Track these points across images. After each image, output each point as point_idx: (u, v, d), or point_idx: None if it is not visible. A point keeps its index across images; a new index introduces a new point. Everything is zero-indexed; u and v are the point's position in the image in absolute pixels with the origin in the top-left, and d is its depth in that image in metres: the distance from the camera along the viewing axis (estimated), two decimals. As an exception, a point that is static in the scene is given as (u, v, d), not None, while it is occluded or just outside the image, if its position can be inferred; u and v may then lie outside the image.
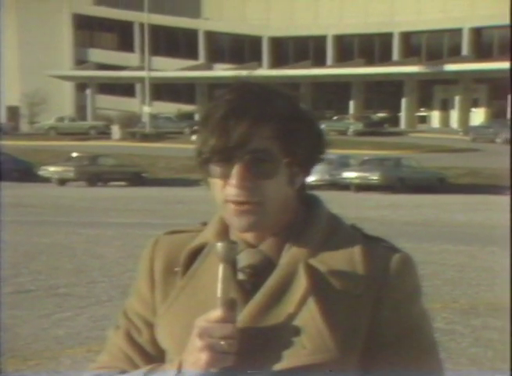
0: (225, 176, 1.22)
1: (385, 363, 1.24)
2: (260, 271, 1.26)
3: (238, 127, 1.20)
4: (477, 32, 50.37)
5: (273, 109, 1.23)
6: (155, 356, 1.31)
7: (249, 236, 1.27)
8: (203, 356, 1.15)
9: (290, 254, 1.26)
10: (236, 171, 1.21)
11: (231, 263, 1.21)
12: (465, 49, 50.60)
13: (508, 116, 47.22)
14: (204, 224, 1.36)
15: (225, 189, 1.23)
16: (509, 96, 47.85)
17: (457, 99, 49.81)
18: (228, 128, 1.20)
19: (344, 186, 27.24)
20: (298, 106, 1.28)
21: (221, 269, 1.19)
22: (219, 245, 1.20)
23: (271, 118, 1.22)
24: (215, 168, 1.23)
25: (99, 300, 7.71)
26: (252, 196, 1.22)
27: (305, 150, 1.26)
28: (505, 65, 44.82)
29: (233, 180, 1.21)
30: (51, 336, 6.33)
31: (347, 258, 1.26)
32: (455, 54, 50.26)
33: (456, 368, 5.36)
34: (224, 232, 1.30)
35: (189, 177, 28.12)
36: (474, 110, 49.58)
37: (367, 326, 1.24)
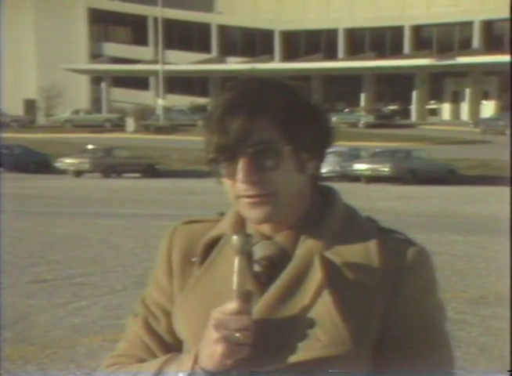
0: (232, 174, 1.22)
1: (397, 355, 1.23)
2: (275, 263, 1.25)
3: (234, 123, 1.20)
4: (487, 25, 50.02)
5: (267, 100, 1.22)
6: (172, 344, 1.31)
7: (265, 228, 1.27)
8: (219, 348, 1.15)
9: (306, 246, 1.25)
10: (240, 166, 1.21)
11: (246, 255, 1.20)
12: (476, 42, 50.29)
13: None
14: (222, 214, 1.35)
15: (235, 187, 1.23)
16: (519, 89, 47.64)
17: (468, 91, 49.56)
18: (226, 126, 1.21)
19: (355, 178, 27.17)
20: (297, 93, 1.26)
21: (236, 261, 1.18)
22: (235, 238, 1.20)
23: (266, 109, 1.22)
24: (222, 168, 1.23)
25: (114, 289, 7.74)
26: (262, 188, 1.21)
27: (309, 135, 1.24)
28: (515, 58, 44.58)
29: (240, 176, 1.21)
30: (67, 325, 6.36)
31: (362, 251, 1.25)
32: (465, 47, 49.95)
33: (465, 357, 5.35)
34: (240, 223, 1.30)
35: (202, 168, 28.08)
36: (484, 102, 49.33)
37: (381, 319, 1.23)
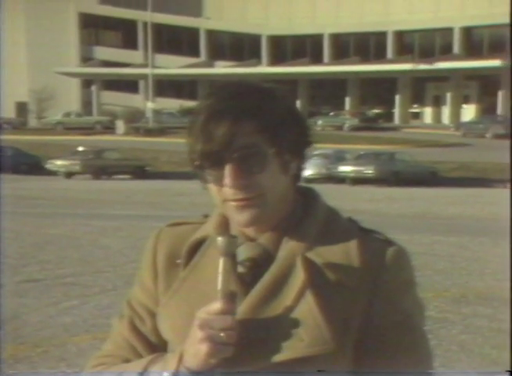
0: (219, 179, 1.21)
1: (377, 353, 1.23)
2: (259, 264, 1.25)
3: (218, 129, 1.19)
4: (467, 31, 50.33)
5: (250, 105, 1.22)
6: (158, 345, 1.31)
7: (248, 230, 1.26)
8: (204, 347, 1.14)
9: (288, 247, 1.25)
10: (227, 171, 1.20)
11: (231, 256, 1.20)
12: (456, 48, 50.54)
13: (498, 112, 47.22)
14: (206, 216, 1.35)
15: (221, 191, 1.22)
16: (499, 93, 47.86)
17: (449, 95, 49.79)
18: (210, 132, 1.20)
19: (340, 180, 27.23)
20: (277, 98, 1.26)
21: (221, 262, 1.18)
22: (219, 239, 1.19)
23: (249, 114, 1.21)
24: (208, 174, 1.22)
25: (104, 289, 7.72)
26: (249, 192, 1.21)
27: (290, 137, 1.24)
28: (495, 63, 44.85)
29: (227, 181, 1.20)
30: (58, 324, 6.33)
31: (343, 251, 1.25)
32: (446, 52, 50.19)
33: (446, 354, 5.37)
34: (224, 225, 1.29)
35: (190, 170, 28.07)
36: (464, 106, 49.57)
37: (361, 317, 1.23)
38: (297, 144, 1.26)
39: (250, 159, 1.21)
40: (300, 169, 1.29)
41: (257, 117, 1.22)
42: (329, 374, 1.21)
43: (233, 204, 1.22)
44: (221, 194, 1.22)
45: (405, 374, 1.23)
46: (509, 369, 4.87)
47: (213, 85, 1.28)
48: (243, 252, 1.25)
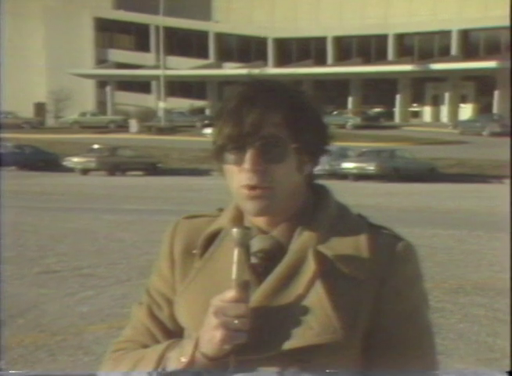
0: (239, 162, 1.22)
1: (385, 343, 1.23)
2: (271, 255, 1.25)
3: (249, 115, 1.20)
4: (464, 34, 50.16)
5: (281, 99, 1.23)
6: (175, 331, 1.31)
7: (261, 223, 1.26)
8: (218, 334, 1.15)
9: (300, 240, 1.25)
10: (248, 156, 1.21)
11: (245, 247, 1.20)
12: (454, 49, 50.37)
13: (494, 111, 47.04)
14: (221, 210, 1.35)
15: (239, 175, 1.22)
16: (495, 93, 47.68)
17: (447, 95, 49.62)
18: (240, 117, 1.20)
19: (343, 176, 27.18)
20: (305, 98, 1.27)
21: (235, 252, 1.18)
22: (234, 231, 1.20)
23: (279, 107, 1.22)
24: (230, 155, 1.23)
25: (119, 280, 7.72)
26: (263, 180, 1.21)
27: (312, 139, 1.25)
28: (491, 64, 44.66)
29: (246, 165, 1.21)
30: (75, 313, 6.35)
31: (353, 245, 1.25)
32: (444, 54, 50.02)
33: (444, 342, 5.36)
34: (239, 218, 1.29)
35: (200, 167, 28.13)
36: (462, 105, 49.39)
37: (370, 309, 1.23)
38: (316, 147, 1.27)
39: (272, 149, 1.21)
40: (313, 171, 1.30)
41: (286, 112, 1.22)
42: (337, 363, 1.21)
43: (245, 191, 1.22)
44: (238, 177, 1.23)
45: (411, 367, 1.23)
46: (509, 369, 4.83)
47: (246, 78, 1.28)
48: (257, 244, 1.25)
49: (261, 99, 1.21)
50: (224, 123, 1.22)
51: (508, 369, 4.75)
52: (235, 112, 1.21)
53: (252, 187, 1.21)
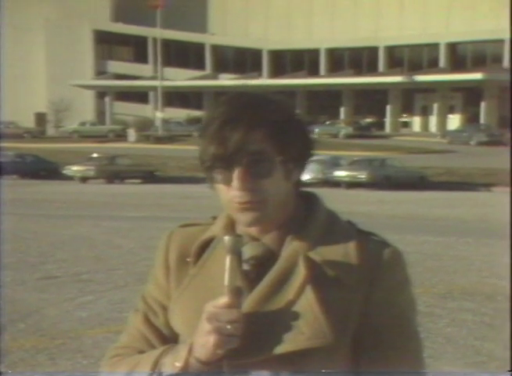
0: (228, 181, 1.21)
1: (373, 346, 1.24)
2: (263, 262, 1.25)
3: (233, 134, 1.19)
4: (452, 47, 50.43)
5: (263, 114, 1.22)
6: (170, 337, 1.31)
7: (253, 230, 1.27)
8: (211, 339, 1.15)
9: (291, 246, 1.25)
10: (236, 174, 1.20)
11: (237, 255, 1.20)
12: (442, 62, 50.58)
13: (481, 121, 47.20)
14: (215, 218, 1.35)
15: (229, 193, 1.22)
16: (481, 103, 47.84)
17: (435, 106, 49.77)
18: (224, 137, 1.19)
19: (336, 184, 27.18)
20: (287, 109, 1.26)
21: (228, 259, 1.19)
22: (226, 238, 1.20)
23: (262, 123, 1.21)
24: (218, 175, 1.22)
25: (117, 285, 7.71)
26: (254, 195, 1.21)
27: (296, 147, 1.24)
28: (477, 76, 44.86)
29: (235, 183, 1.20)
30: (74, 317, 6.33)
31: (342, 251, 1.25)
32: (433, 66, 50.22)
33: (433, 346, 5.36)
34: (231, 226, 1.30)
35: (197, 175, 28.07)
36: (450, 115, 49.54)
37: (359, 313, 1.23)
38: (301, 154, 1.26)
39: (259, 165, 1.21)
40: (300, 178, 1.29)
41: (267, 126, 1.22)
42: (328, 366, 1.21)
43: (237, 206, 1.22)
44: (228, 195, 1.22)
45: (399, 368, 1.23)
46: (509, 369, 4.82)
47: (226, 95, 1.27)
48: (248, 251, 1.25)
49: (243, 117, 1.20)
50: (208, 143, 1.21)
51: (509, 369, 4.72)
52: (218, 132, 1.20)
53: (243, 202, 1.21)
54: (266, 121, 1.22)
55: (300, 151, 1.26)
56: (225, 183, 1.22)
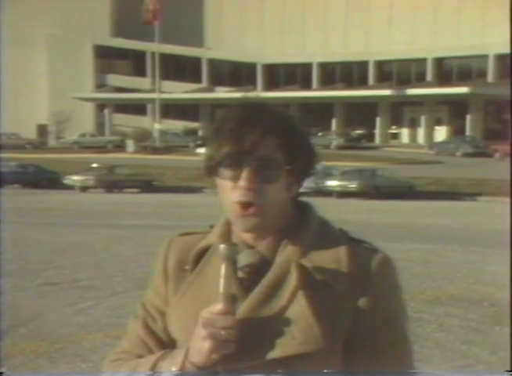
0: (235, 179, 1.21)
1: (364, 351, 1.23)
2: (257, 269, 1.25)
3: (250, 136, 1.20)
4: (439, 61, 50.72)
5: (279, 122, 1.23)
6: (168, 342, 1.31)
7: (248, 238, 1.27)
8: (207, 344, 1.15)
9: (284, 254, 1.25)
10: (245, 174, 1.20)
11: (232, 262, 1.20)
12: (429, 76, 50.83)
13: (466, 133, 47.39)
14: (212, 227, 1.35)
15: (233, 191, 1.22)
16: (467, 116, 48.04)
17: (423, 118, 49.95)
18: (241, 137, 1.20)
19: (328, 193, 27.18)
20: (297, 122, 1.28)
21: (223, 267, 1.19)
22: (222, 247, 1.20)
23: (277, 130, 1.22)
24: (226, 171, 1.22)
25: (116, 292, 7.68)
26: (256, 197, 1.21)
27: (303, 161, 1.25)
28: (463, 90, 45.10)
29: (242, 182, 1.21)
30: (74, 323, 6.31)
31: (334, 259, 1.25)
32: (421, 80, 50.45)
33: (421, 350, 5.36)
34: (227, 234, 1.29)
35: (194, 185, 28.08)
36: (437, 127, 49.71)
37: (350, 319, 1.23)
38: (305, 168, 1.27)
39: (267, 170, 1.21)
40: (299, 190, 1.30)
41: (282, 135, 1.22)
42: (320, 370, 1.21)
43: (237, 208, 1.22)
44: (232, 193, 1.22)
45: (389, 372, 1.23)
46: (509, 369, 4.81)
47: (238, 101, 1.28)
48: (243, 259, 1.25)
49: (262, 122, 1.21)
50: (223, 140, 1.21)
51: (508, 368, 4.71)
52: (236, 131, 1.20)
53: (245, 204, 1.21)
54: (282, 130, 1.23)
55: (305, 165, 1.26)
56: (231, 180, 1.22)
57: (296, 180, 1.26)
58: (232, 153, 1.20)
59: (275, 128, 1.22)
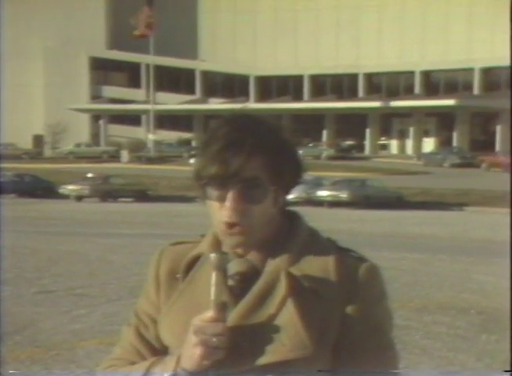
0: (221, 199, 1.22)
1: (351, 357, 1.24)
2: (247, 278, 1.26)
3: (235, 158, 1.19)
4: (426, 75, 51.06)
5: (264, 142, 1.22)
6: (160, 349, 1.31)
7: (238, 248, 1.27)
8: (198, 351, 1.16)
9: (274, 263, 1.26)
10: (230, 196, 1.20)
11: (222, 271, 1.21)
12: (417, 88, 51.11)
13: (453, 144, 47.62)
14: (203, 236, 1.35)
15: (219, 211, 1.23)
16: (454, 128, 48.27)
17: (411, 129, 50.16)
18: (226, 159, 1.19)
19: (318, 203, 27.22)
20: (283, 136, 1.27)
21: (214, 275, 1.19)
22: (212, 256, 1.21)
23: (264, 149, 1.21)
24: (212, 192, 1.22)
25: (110, 299, 7.66)
26: (242, 218, 1.21)
27: (289, 176, 1.25)
28: (450, 102, 45.37)
29: (228, 203, 1.21)
30: (69, 330, 6.28)
31: (322, 267, 1.25)
32: (409, 92, 50.72)
33: (410, 357, 5.37)
34: (217, 243, 1.30)
35: (187, 194, 28.05)
36: (425, 139, 49.92)
37: (338, 325, 1.23)
38: (292, 182, 1.27)
39: (253, 190, 1.21)
40: (285, 199, 1.29)
41: (266, 154, 1.22)
42: (308, 375, 1.22)
43: (224, 228, 1.22)
44: (219, 213, 1.23)
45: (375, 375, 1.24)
46: (508, 369, 4.81)
47: (228, 115, 1.26)
48: (233, 267, 1.25)
49: (248, 141, 1.20)
50: (209, 162, 1.21)
51: (508, 368, 4.70)
52: (221, 153, 1.20)
53: (231, 224, 1.22)
54: (265, 149, 1.22)
55: (291, 179, 1.26)
56: (218, 200, 1.22)
57: (283, 193, 1.26)
58: (217, 175, 1.20)
59: (262, 148, 1.21)
